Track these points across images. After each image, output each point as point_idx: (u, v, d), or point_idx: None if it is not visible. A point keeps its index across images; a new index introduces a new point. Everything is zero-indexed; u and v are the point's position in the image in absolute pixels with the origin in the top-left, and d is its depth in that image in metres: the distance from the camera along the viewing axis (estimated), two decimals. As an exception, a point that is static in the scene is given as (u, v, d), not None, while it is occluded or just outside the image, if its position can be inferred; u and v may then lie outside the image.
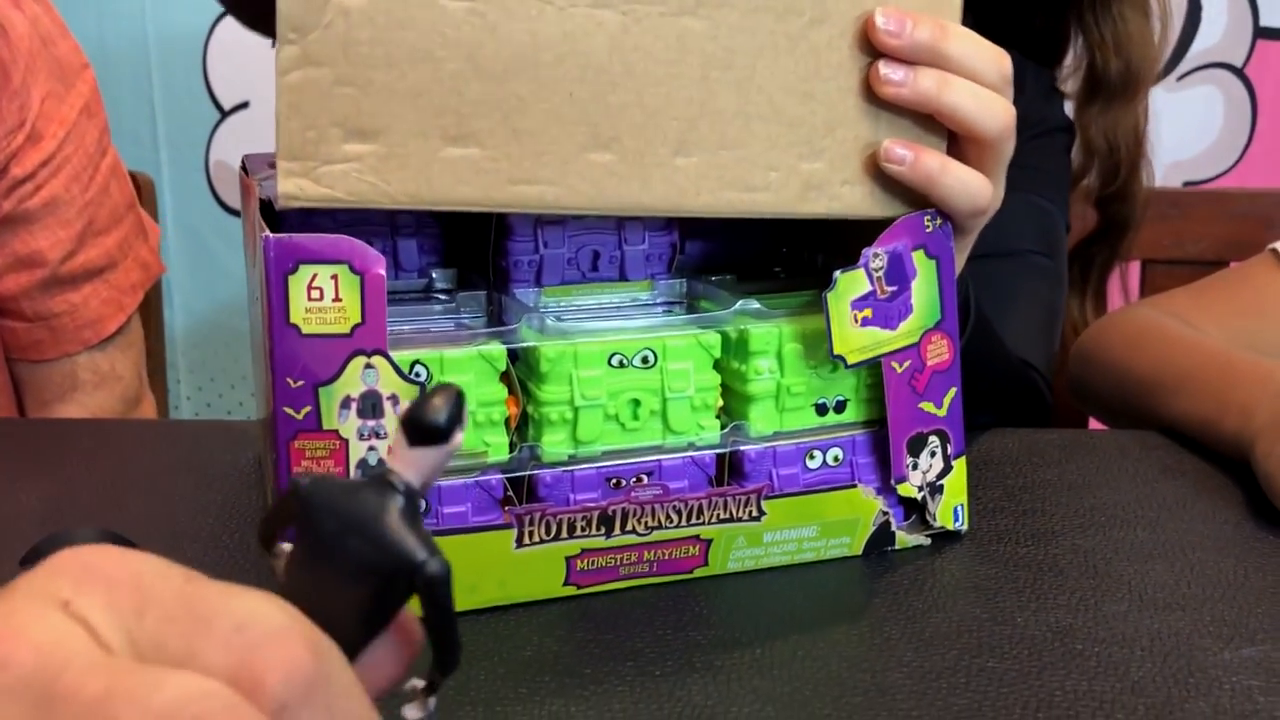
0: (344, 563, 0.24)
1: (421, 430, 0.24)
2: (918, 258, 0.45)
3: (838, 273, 0.44)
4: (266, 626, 0.22)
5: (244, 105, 1.47)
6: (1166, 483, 0.56)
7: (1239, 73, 1.60)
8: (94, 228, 0.76)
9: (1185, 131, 1.61)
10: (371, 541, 0.23)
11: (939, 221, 0.45)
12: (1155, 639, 0.41)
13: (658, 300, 0.49)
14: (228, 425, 0.67)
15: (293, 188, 0.38)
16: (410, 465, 0.24)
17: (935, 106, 0.43)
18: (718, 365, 0.45)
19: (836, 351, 0.44)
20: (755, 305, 0.46)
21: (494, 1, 0.38)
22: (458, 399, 0.24)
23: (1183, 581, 0.45)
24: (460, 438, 0.24)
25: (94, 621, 0.23)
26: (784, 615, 0.43)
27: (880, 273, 0.44)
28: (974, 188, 0.45)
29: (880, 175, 0.44)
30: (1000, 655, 0.40)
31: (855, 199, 0.44)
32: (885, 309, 0.45)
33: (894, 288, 0.45)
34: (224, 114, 1.48)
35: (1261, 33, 1.58)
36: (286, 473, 0.39)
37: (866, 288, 0.44)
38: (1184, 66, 1.59)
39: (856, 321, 0.44)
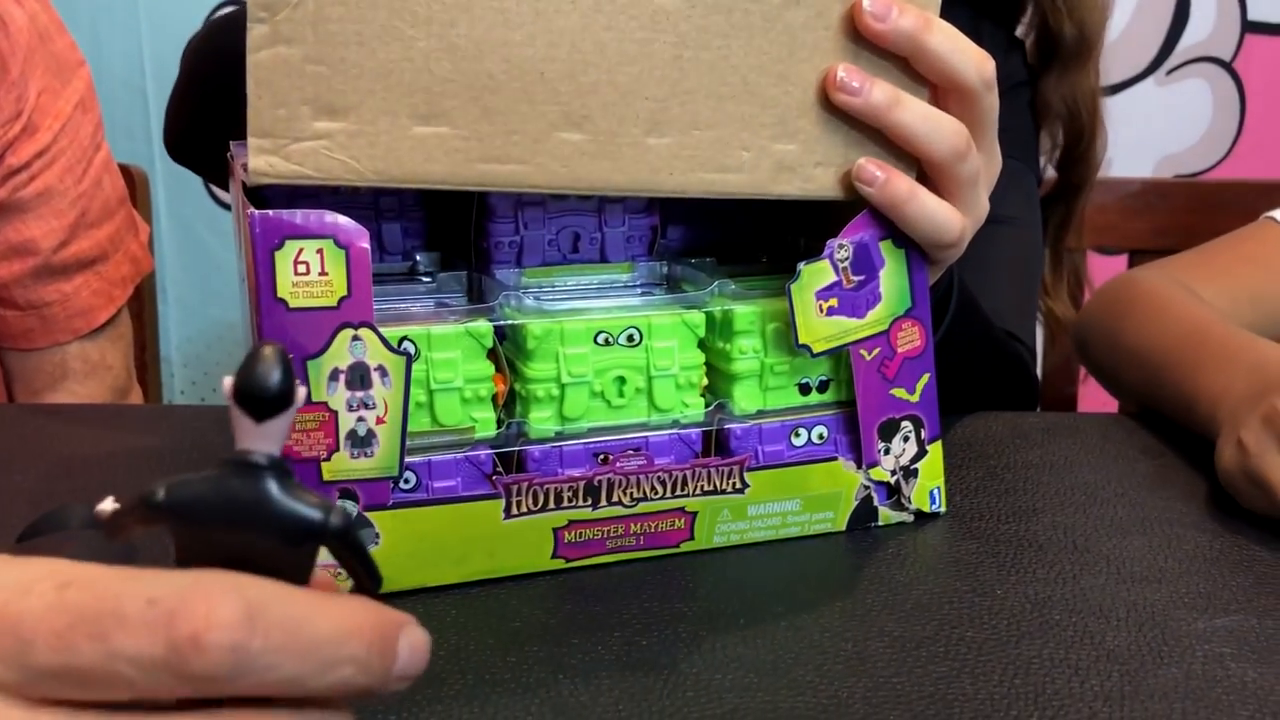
0: (243, 551, 0.23)
1: (261, 404, 0.23)
2: (885, 247, 0.46)
3: (801, 264, 0.44)
4: (176, 588, 0.21)
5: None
6: (1146, 462, 0.57)
7: (1227, 66, 1.61)
8: (86, 219, 0.76)
9: (1175, 125, 1.63)
10: (265, 526, 0.23)
11: None
12: (1131, 609, 0.41)
13: (638, 282, 0.49)
14: (221, 410, 0.68)
15: (263, 164, 0.38)
16: (260, 437, 0.24)
17: (884, 123, 0.43)
18: (702, 344, 0.46)
19: (801, 341, 0.45)
20: (732, 287, 0.46)
21: None
22: (283, 358, 0.23)
23: (1160, 555, 0.46)
24: (302, 392, 0.24)
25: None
26: (768, 588, 0.43)
27: (846, 263, 0.45)
28: (939, 219, 0.45)
29: (852, 156, 0.44)
30: (979, 625, 0.40)
31: (828, 180, 0.45)
32: (852, 298, 0.45)
33: (860, 277, 0.45)
34: (217, 108, 1.49)
35: (1250, 27, 1.59)
36: None
37: (831, 278, 0.45)
38: (1173, 60, 1.60)
39: (822, 311, 0.45)
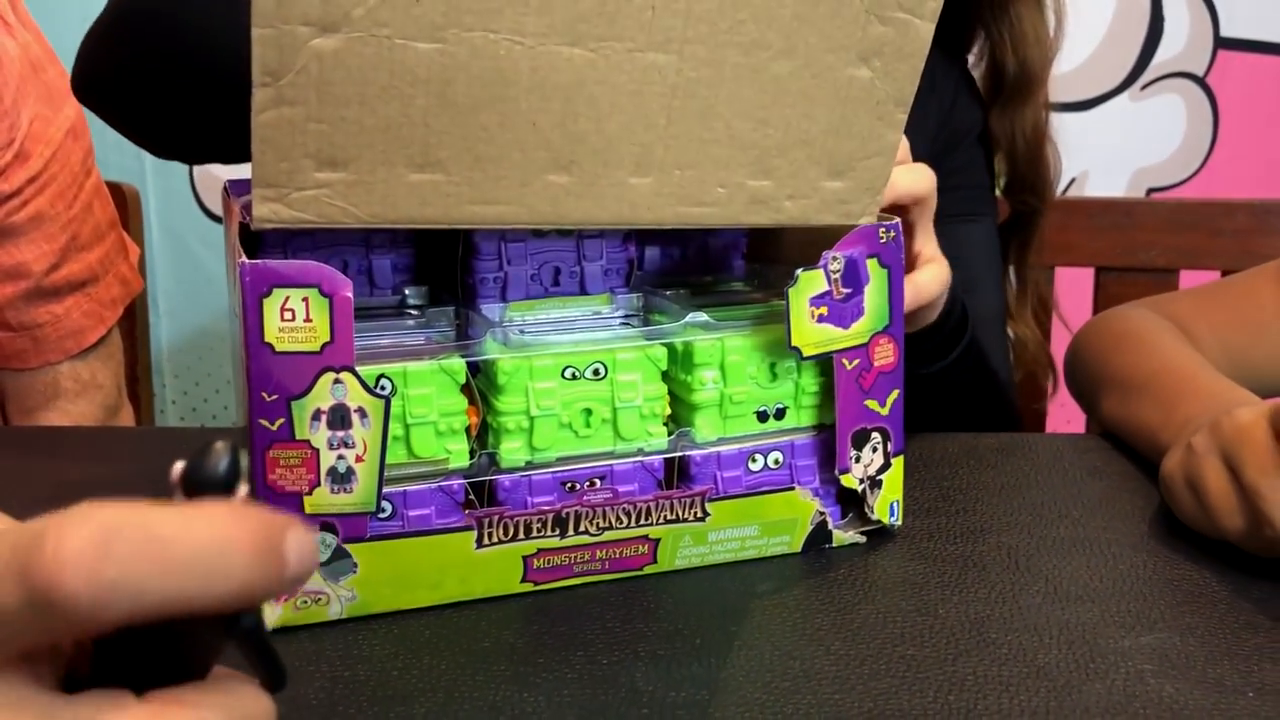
0: (158, 637, 0.23)
1: (203, 484, 0.23)
2: (872, 265, 0.48)
3: (799, 270, 0.47)
4: (33, 532, 0.21)
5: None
6: (1093, 484, 0.59)
7: (1200, 82, 1.64)
8: (77, 243, 0.79)
9: (1149, 139, 1.66)
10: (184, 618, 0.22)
11: (892, 235, 0.49)
12: (1064, 628, 0.44)
13: (616, 313, 0.52)
14: (210, 432, 0.70)
15: (267, 212, 0.41)
16: None
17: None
18: (666, 375, 0.48)
19: (794, 343, 0.47)
20: (703, 318, 0.49)
21: (464, 42, 0.39)
22: (233, 454, 0.24)
23: (1096, 575, 0.49)
24: (244, 490, 0.24)
25: None
26: (725, 608, 0.46)
27: (837, 275, 0.48)
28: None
29: (822, 189, 0.47)
30: (919, 643, 0.43)
31: (797, 211, 0.47)
32: (839, 309, 0.48)
33: (848, 290, 0.48)
34: (208, 122, 1.51)
35: (1222, 43, 1.63)
36: (262, 480, 0.42)
37: (824, 287, 0.48)
38: (1147, 76, 1.63)
39: (813, 317, 0.48)
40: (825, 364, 0.49)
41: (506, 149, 0.41)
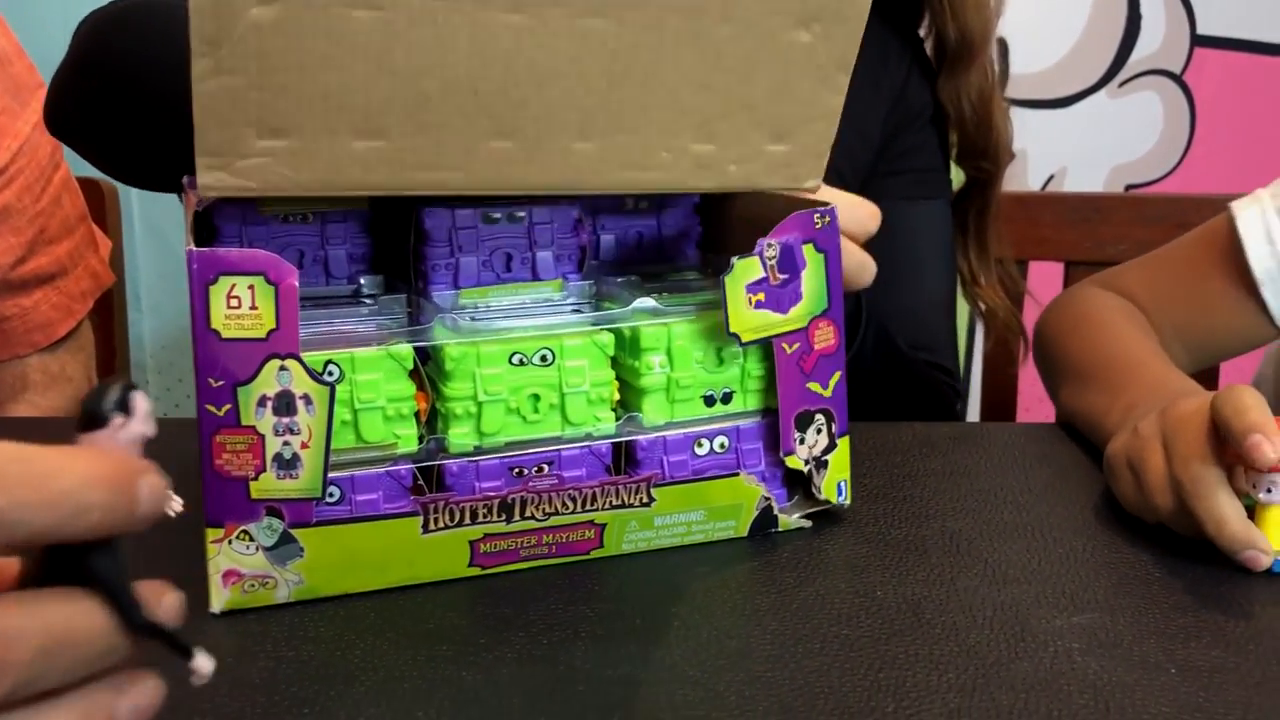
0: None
1: (87, 417, 0.26)
2: (808, 250, 0.49)
3: (735, 259, 0.48)
4: None
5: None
6: (1041, 470, 0.60)
7: (1177, 79, 1.65)
8: (45, 236, 0.79)
9: (1127, 136, 1.67)
10: None
11: (826, 220, 0.49)
12: (997, 609, 0.45)
13: (568, 300, 0.53)
14: (183, 422, 0.71)
15: (211, 180, 0.41)
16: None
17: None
18: (615, 361, 0.49)
19: (732, 330, 0.48)
20: (650, 304, 0.50)
21: (402, 9, 0.39)
22: (122, 390, 0.26)
23: (1034, 559, 0.50)
24: (133, 424, 0.26)
25: None
26: (668, 590, 0.47)
27: (773, 261, 0.48)
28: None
29: (766, 152, 0.48)
30: (855, 624, 0.44)
31: (741, 175, 0.48)
32: (777, 294, 0.49)
33: (785, 275, 0.49)
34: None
35: (1199, 40, 1.64)
36: (209, 464, 0.42)
37: (760, 274, 0.48)
38: (1125, 73, 1.64)
39: (750, 304, 0.48)
40: (770, 349, 0.50)
41: (448, 115, 0.42)
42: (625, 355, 0.50)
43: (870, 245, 0.57)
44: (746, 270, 0.48)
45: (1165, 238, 1.07)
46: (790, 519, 0.52)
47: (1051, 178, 1.67)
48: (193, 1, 0.37)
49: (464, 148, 0.43)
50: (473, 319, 0.49)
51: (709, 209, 0.57)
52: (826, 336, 0.50)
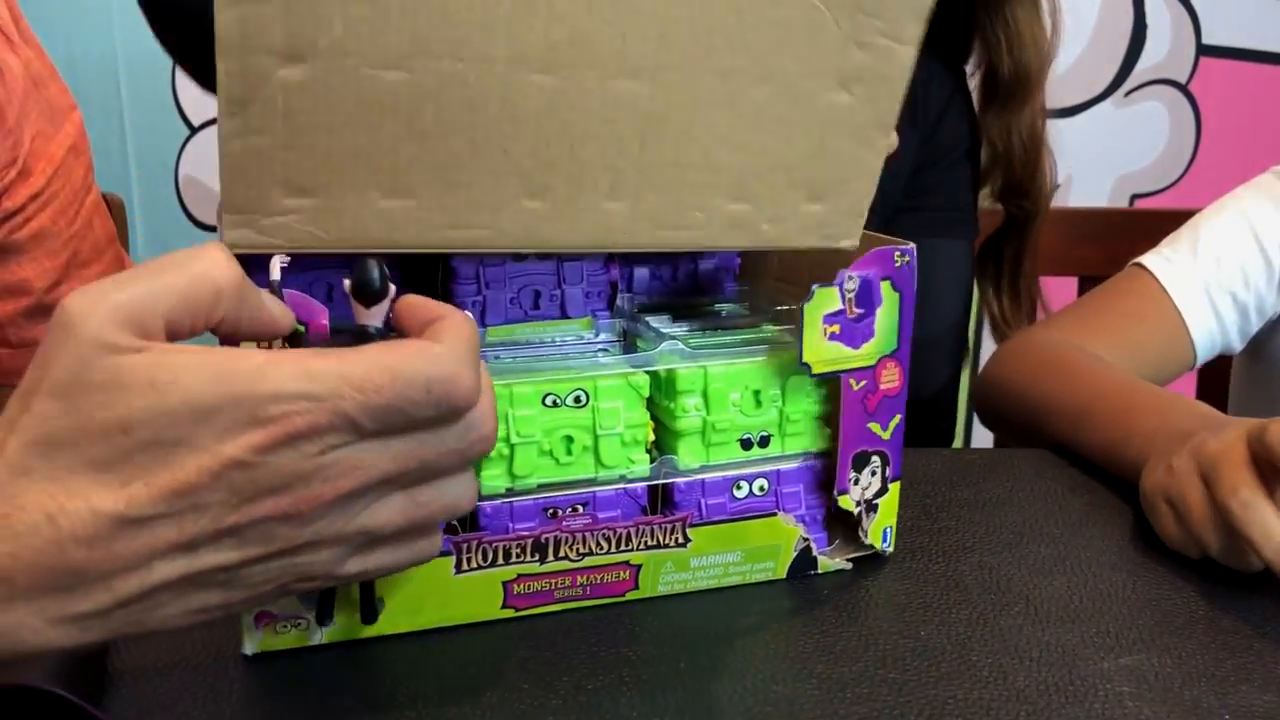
0: None
1: (366, 293, 0.37)
2: (885, 288, 0.49)
3: (815, 286, 0.47)
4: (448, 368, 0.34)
5: (213, 121, 1.49)
6: (1074, 499, 0.60)
7: (1183, 88, 1.65)
8: (78, 259, 0.79)
9: (1133, 145, 1.67)
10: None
11: (906, 259, 0.49)
12: (1043, 650, 0.45)
13: (598, 337, 0.52)
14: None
15: (238, 237, 0.41)
16: (369, 317, 0.38)
17: None
18: (650, 401, 0.49)
19: (805, 359, 0.47)
20: (679, 346, 0.49)
21: (431, 71, 0.39)
22: (380, 266, 0.37)
23: (1075, 595, 0.49)
24: (392, 289, 0.38)
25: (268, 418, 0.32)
26: (710, 633, 0.46)
27: (852, 294, 0.48)
28: None
29: (802, 212, 0.47)
30: (902, 667, 0.43)
31: (776, 234, 0.47)
32: (852, 328, 0.48)
33: (861, 310, 0.48)
34: (193, 130, 1.50)
35: (1204, 50, 1.64)
36: None
37: (838, 305, 0.48)
38: (1130, 83, 1.64)
39: (826, 335, 0.48)
40: (813, 391, 0.50)
41: (478, 175, 0.41)
42: (661, 396, 0.49)
43: None
44: (825, 300, 0.47)
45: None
46: (831, 561, 0.51)
47: (1057, 187, 1.67)
48: (221, 65, 0.37)
49: (493, 207, 0.42)
50: (498, 358, 0.48)
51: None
52: (892, 377, 0.50)
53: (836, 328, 0.48)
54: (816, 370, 0.48)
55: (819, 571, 0.51)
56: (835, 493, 0.50)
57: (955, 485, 0.62)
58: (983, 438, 1.63)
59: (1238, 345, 0.80)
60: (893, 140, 0.47)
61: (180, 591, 0.33)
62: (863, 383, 0.49)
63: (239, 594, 0.34)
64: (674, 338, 0.49)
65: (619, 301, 0.54)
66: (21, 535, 0.31)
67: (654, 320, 0.53)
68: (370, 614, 0.45)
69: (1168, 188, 1.67)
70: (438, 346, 0.34)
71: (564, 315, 0.51)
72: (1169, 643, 0.45)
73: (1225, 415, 0.58)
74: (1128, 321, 0.77)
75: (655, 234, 0.45)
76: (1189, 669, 0.43)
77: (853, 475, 0.50)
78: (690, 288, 0.56)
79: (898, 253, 0.49)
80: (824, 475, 0.51)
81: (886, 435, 0.50)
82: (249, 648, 0.44)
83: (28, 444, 0.32)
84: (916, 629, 0.46)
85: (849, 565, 0.51)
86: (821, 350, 0.48)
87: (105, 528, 0.31)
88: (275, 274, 0.40)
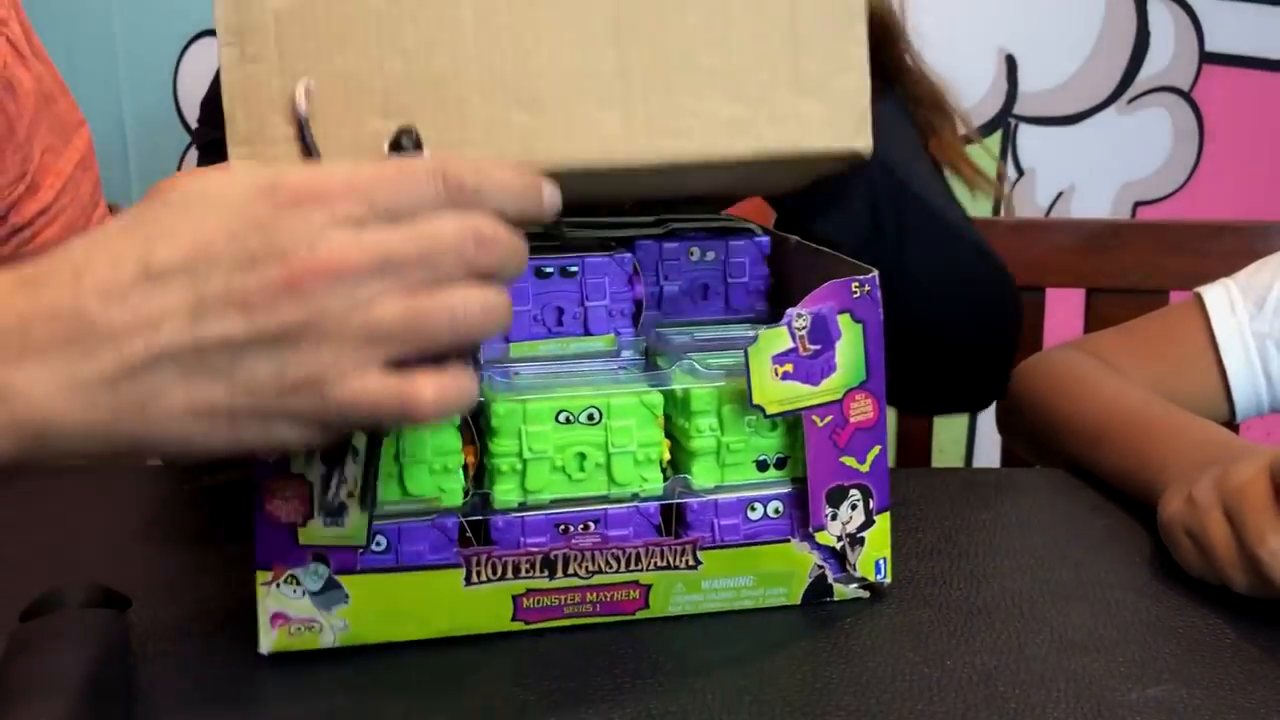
0: None
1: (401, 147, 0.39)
2: (843, 321, 0.47)
3: (760, 329, 0.47)
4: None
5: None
6: (1094, 521, 0.59)
7: (1186, 96, 1.65)
8: None
9: (1136, 153, 1.66)
10: None
11: (866, 289, 0.47)
12: (1071, 680, 0.44)
13: (620, 355, 0.52)
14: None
15: None
16: None
17: None
18: (668, 419, 0.48)
19: (755, 401, 0.46)
20: (692, 364, 0.48)
21: None
22: (413, 131, 0.39)
23: (1099, 623, 0.49)
24: (427, 151, 0.39)
25: (356, 218, 0.35)
26: (732, 658, 0.45)
27: (803, 332, 0.47)
28: None
29: (800, 111, 0.46)
30: (930, 699, 0.43)
31: (779, 136, 0.46)
32: (807, 365, 0.47)
33: (817, 346, 0.47)
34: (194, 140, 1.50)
35: (1207, 57, 1.64)
36: (260, 509, 0.43)
37: (788, 344, 0.47)
38: (1133, 90, 1.64)
39: (777, 375, 0.47)
40: None
41: (466, 91, 0.43)
42: (677, 415, 0.49)
43: None
44: (772, 341, 0.46)
45: (1186, 264, 1.08)
46: (847, 589, 0.50)
47: (1060, 195, 1.67)
48: None
49: (485, 123, 0.43)
50: (517, 374, 0.48)
51: (781, 260, 0.56)
52: (864, 410, 0.48)
53: (789, 366, 0.47)
54: (771, 411, 0.47)
55: (835, 599, 0.50)
56: (811, 529, 0.49)
57: (974, 507, 0.61)
58: (984, 456, 1.63)
59: None
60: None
61: (183, 372, 0.33)
62: (829, 418, 0.48)
63: (242, 395, 0.34)
64: (692, 357, 0.49)
65: (644, 319, 0.53)
66: (44, 287, 0.33)
67: (676, 339, 0.53)
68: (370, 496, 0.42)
69: (1171, 195, 1.67)
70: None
71: (586, 332, 0.51)
72: (1196, 673, 0.45)
73: (1245, 441, 0.58)
74: (1165, 365, 0.73)
75: (654, 143, 0.45)
76: (1218, 700, 0.42)
77: (829, 511, 0.49)
78: (720, 307, 0.55)
79: (855, 284, 0.47)
80: None
81: (865, 468, 0.49)
82: (265, 647, 0.44)
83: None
84: (942, 658, 0.46)
85: (866, 594, 0.51)
86: (773, 391, 0.47)
87: (125, 280, 0.33)
88: (301, 104, 0.41)
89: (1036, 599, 0.51)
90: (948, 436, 1.64)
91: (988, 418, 1.64)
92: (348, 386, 0.34)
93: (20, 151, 0.74)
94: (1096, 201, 1.66)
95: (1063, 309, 1.08)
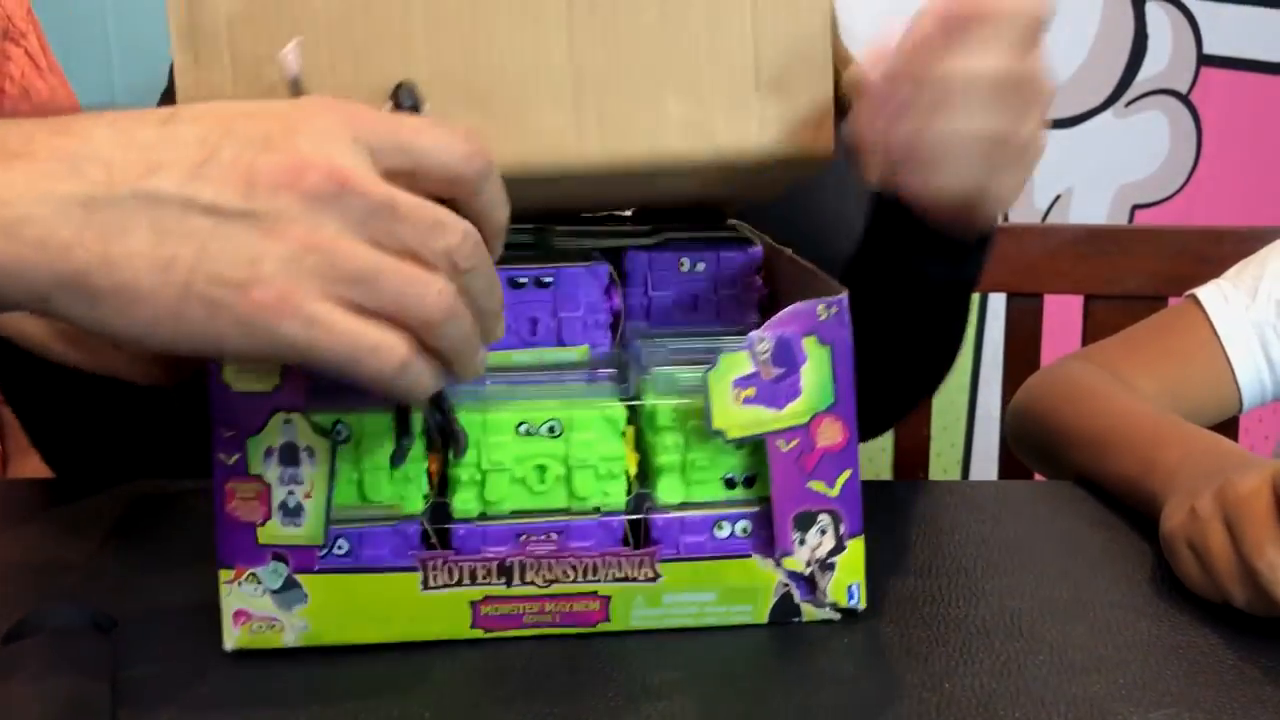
0: None
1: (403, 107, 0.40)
2: (808, 344, 0.46)
3: (720, 353, 0.45)
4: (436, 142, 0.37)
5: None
6: (1093, 537, 0.58)
7: (1184, 99, 1.64)
8: None
9: (1134, 155, 1.66)
10: None
11: (834, 311, 0.46)
12: (1072, 704, 0.43)
13: (593, 366, 0.51)
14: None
15: None
16: None
17: None
18: (639, 432, 0.47)
19: (716, 426, 0.45)
20: (663, 379, 0.47)
21: None
22: (412, 88, 0.41)
23: (1100, 642, 0.47)
24: (427, 107, 0.41)
25: (373, 148, 0.34)
26: (723, 681, 0.44)
27: (765, 355, 0.45)
28: None
29: (755, 108, 0.45)
30: (924, 724, 0.42)
31: (735, 136, 0.45)
32: (771, 390, 0.46)
33: (781, 370, 0.46)
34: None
35: (1205, 60, 1.63)
36: (221, 509, 0.44)
37: (750, 369, 0.45)
38: (1131, 93, 1.63)
39: (738, 400, 0.45)
40: None
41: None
42: (646, 429, 0.47)
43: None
44: (733, 365, 0.45)
45: (1184, 269, 1.07)
46: (817, 610, 0.48)
47: (1058, 198, 1.66)
48: (170, 2, 0.41)
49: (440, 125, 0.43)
50: (484, 384, 0.48)
51: (775, 272, 0.55)
52: (833, 434, 0.46)
53: (751, 391, 0.45)
54: (732, 435, 0.45)
55: (803, 619, 0.48)
56: (777, 554, 0.47)
57: (972, 522, 0.60)
58: (981, 469, 1.63)
59: None
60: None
61: (159, 221, 0.32)
62: (794, 442, 0.46)
63: (205, 269, 0.33)
64: (658, 372, 0.47)
65: (630, 331, 0.53)
66: (70, 120, 0.34)
67: (653, 352, 0.52)
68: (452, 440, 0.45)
69: (1169, 198, 1.66)
70: None
71: (560, 343, 0.51)
72: (1199, 695, 0.44)
73: (1251, 454, 0.57)
74: (1172, 360, 0.74)
75: (606, 144, 0.44)
76: (1223, 726, 0.42)
77: (796, 536, 0.47)
78: (710, 319, 0.54)
79: (821, 306, 0.45)
80: None
81: (834, 492, 0.47)
82: (228, 644, 0.45)
83: None
84: (940, 680, 0.45)
85: (837, 616, 0.48)
86: (734, 415, 0.45)
87: (141, 125, 0.34)
88: (292, 64, 0.41)
89: (1036, 617, 0.50)
90: (949, 456, 1.64)
91: (986, 429, 1.64)
92: (311, 306, 0.33)
93: None
94: (1094, 204, 1.66)
95: (1061, 316, 1.08)
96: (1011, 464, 1.04)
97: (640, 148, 0.44)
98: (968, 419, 1.65)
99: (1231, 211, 1.65)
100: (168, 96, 0.49)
